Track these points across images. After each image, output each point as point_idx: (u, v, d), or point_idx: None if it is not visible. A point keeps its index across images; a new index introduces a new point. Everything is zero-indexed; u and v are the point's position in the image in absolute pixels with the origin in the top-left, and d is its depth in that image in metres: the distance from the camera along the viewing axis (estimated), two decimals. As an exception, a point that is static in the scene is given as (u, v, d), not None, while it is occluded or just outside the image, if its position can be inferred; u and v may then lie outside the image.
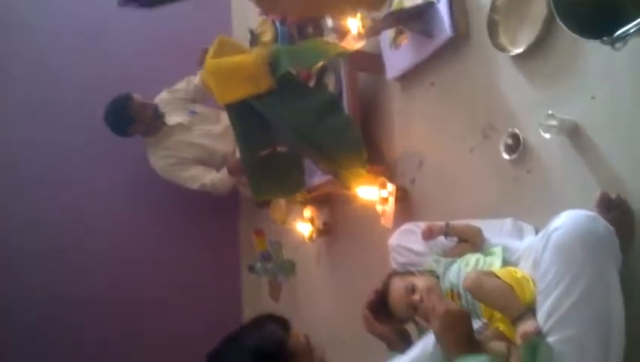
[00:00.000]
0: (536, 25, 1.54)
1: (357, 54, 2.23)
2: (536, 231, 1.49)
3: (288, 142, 2.21)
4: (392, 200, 2.06)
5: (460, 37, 1.84)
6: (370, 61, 2.28)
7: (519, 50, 1.60)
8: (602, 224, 1.17)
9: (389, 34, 2.14)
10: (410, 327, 1.62)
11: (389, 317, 1.58)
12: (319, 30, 2.61)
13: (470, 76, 1.85)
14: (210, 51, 2.07)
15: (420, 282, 1.50)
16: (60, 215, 3.19)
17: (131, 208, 3.41)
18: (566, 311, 1.14)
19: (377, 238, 2.12)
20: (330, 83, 2.41)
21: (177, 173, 3.15)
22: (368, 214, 2.25)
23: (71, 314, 3.11)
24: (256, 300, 3.45)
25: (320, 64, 2.41)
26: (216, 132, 3.26)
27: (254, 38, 2.94)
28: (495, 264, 1.41)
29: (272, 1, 2.33)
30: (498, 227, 1.58)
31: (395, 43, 2.12)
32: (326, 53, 2.13)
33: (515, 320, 1.23)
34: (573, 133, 1.45)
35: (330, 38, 2.38)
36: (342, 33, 2.24)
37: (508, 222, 1.58)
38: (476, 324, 1.38)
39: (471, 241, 1.56)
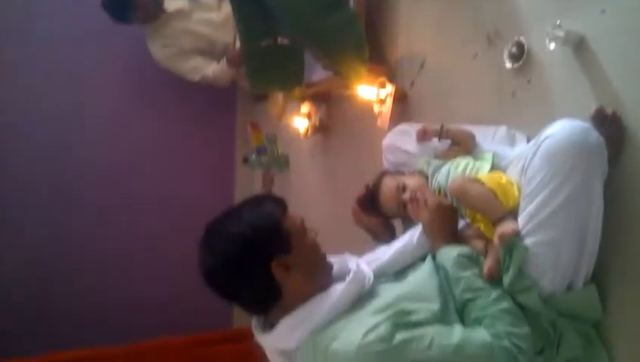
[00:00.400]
0: None
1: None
2: (529, 140, 1.52)
3: (290, 34, 2.16)
4: (389, 101, 2.06)
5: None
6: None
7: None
8: (594, 135, 1.19)
9: None
10: (396, 223, 1.69)
11: (378, 213, 1.64)
12: None
13: (481, -21, 1.79)
14: None
15: (411, 181, 1.54)
16: (58, 106, 3.17)
17: (128, 98, 3.38)
18: (547, 216, 1.18)
19: (372, 138, 2.14)
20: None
21: (178, 63, 3.10)
22: (365, 114, 2.26)
23: (73, 195, 3.19)
24: (248, 192, 3.52)
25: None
26: (217, 21, 3.16)
27: None
28: (484, 168, 1.45)
29: None
30: (491, 133, 1.60)
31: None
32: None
33: (495, 223, 1.29)
34: (578, 46, 1.43)
35: None
36: None
37: (502, 129, 1.60)
38: (459, 224, 1.44)
39: (463, 145, 1.58)
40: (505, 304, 1.18)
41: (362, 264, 1.33)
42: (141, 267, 3.28)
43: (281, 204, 1.26)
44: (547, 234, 1.19)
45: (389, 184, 1.59)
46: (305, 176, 3.02)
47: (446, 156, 1.59)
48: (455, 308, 1.22)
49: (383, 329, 1.08)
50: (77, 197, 3.19)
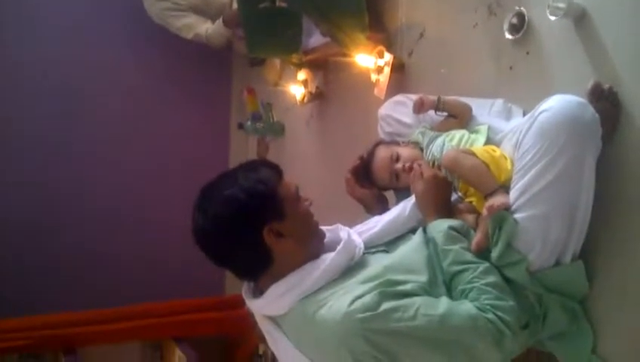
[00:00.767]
0: None
1: None
2: (525, 114, 1.51)
3: (289, -3, 2.13)
4: (387, 70, 2.04)
5: None
6: None
7: None
8: (590, 111, 1.19)
9: None
10: (389, 196, 1.69)
11: (371, 183, 1.64)
12: None
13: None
14: None
15: (405, 152, 1.54)
16: (51, 64, 3.13)
17: (124, 60, 3.34)
18: (538, 191, 1.18)
19: (368, 107, 2.13)
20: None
21: (171, 20, 3.03)
22: (362, 82, 2.24)
23: (70, 157, 3.18)
24: (243, 158, 3.49)
25: None
26: (214, -21, 3.10)
27: None
28: (479, 141, 1.44)
29: None
30: (488, 106, 1.59)
31: None
32: None
33: (487, 196, 1.29)
34: (580, 19, 1.41)
35: None
36: None
37: (498, 102, 1.59)
38: (452, 197, 1.44)
39: (459, 118, 1.57)
40: (491, 278, 1.19)
41: (353, 234, 1.33)
42: (134, 232, 3.28)
43: (276, 170, 1.26)
44: (537, 209, 1.19)
45: (382, 154, 1.59)
46: (300, 144, 3.01)
47: (441, 128, 1.58)
48: (443, 281, 1.23)
49: (369, 298, 1.09)
50: (71, 160, 3.17)
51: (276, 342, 1.26)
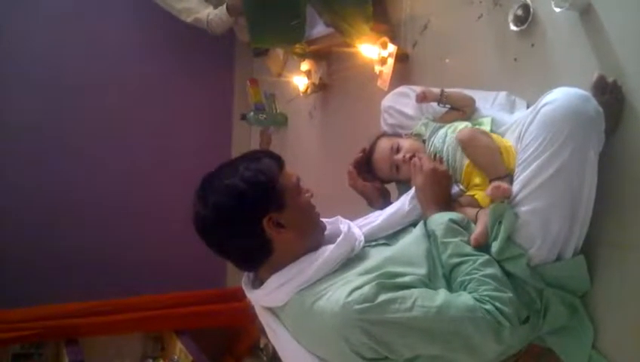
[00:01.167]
0: None
1: None
2: (528, 107, 1.50)
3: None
4: (391, 61, 2.02)
5: None
6: None
7: None
8: (593, 105, 1.17)
9: None
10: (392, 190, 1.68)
11: (373, 176, 1.63)
12: None
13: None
14: None
15: (406, 143, 1.53)
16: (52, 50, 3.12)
17: (127, 49, 3.31)
18: (540, 184, 1.17)
19: (372, 98, 2.11)
20: None
21: (172, 2, 2.97)
22: (365, 74, 2.23)
23: (70, 146, 3.16)
24: (245, 148, 3.49)
25: None
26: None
27: None
28: (482, 134, 1.43)
29: None
30: (491, 99, 1.58)
31: None
32: None
33: (492, 180, 1.28)
34: (585, 12, 1.40)
35: None
36: None
37: (502, 95, 1.57)
38: (453, 190, 1.43)
39: (463, 110, 1.56)
40: (490, 270, 1.18)
41: (354, 227, 1.33)
42: (136, 223, 3.27)
43: (278, 160, 1.25)
44: (539, 202, 1.18)
45: (383, 145, 1.58)
46: (303, 135, 3.00)
47: (444, 120, 1.57)
48: (443, 274, 1.23)
49: (367, 289, 1.09)
50: (74, 150, 3.16)
51: (275, 333, 1.26)
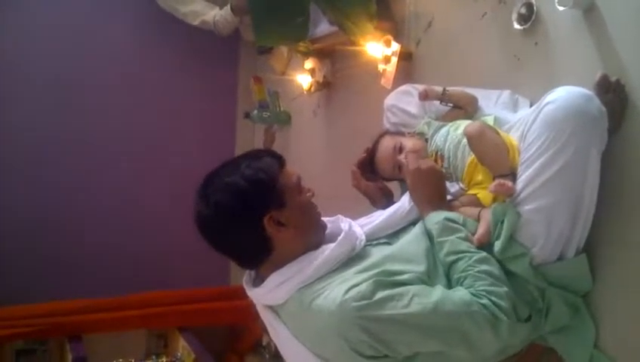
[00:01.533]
0: None
1: None
2: (532, 105, 1.49)
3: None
4: (394, 59, 2.01)
5: None
6: None
7: None
8: (596, 104, 1.17)
9: None
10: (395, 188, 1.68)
11: (376, 175, 1.63)
12: None
13: None
14: None
15: (409, 143, 1.52)
16: (60, 52, 3.12)
17: (130, 48, 3.30)
18: (543, 183, 1.17)
19: (375, 97, 2.11)
20: None
21: (177, 5, 2.99)
22: (369, 72, 2.22)
23: (72, 146, 3.16)
24: (249, 147, 3.50)
25: None
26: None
27: None
28: (485, 132, 1.42)
29: None
30: (494, 97, 1.57)
31: None
32: None
33: (496, 178, 1.28)
34: (589, 10, 1.39)
35: None
36: None
37: (505, 93, 1.57)
38: (453, 188, 1.43)
39: (465, 109, 1.55)
40: (485, 266, 1.18)
41: (355, 226, 1.33)
42: (140, 221, 3.27)
43: (279, 159, 1.26)
44: (541, 202, 1.18)
45: (386, 144, 1.57)
46: (306, 133, 3.00)
47: (447, 119, 1.56)
48: (444, 272, 1.22)
49: (364, 287, 1.09)
50: (78, 147, 3.17)
51: (276, 331, 1.26)
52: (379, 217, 1.40)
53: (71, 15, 3.14)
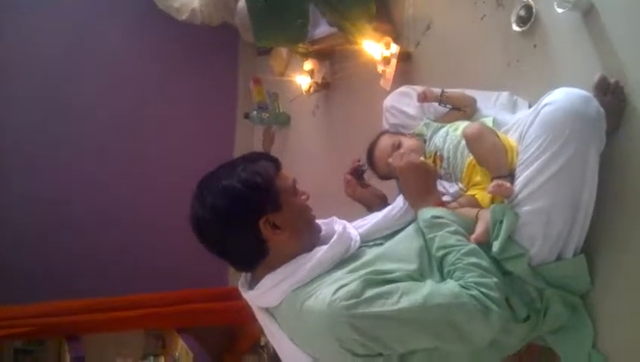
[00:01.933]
0: None
1: None
2: (530, 107, 1.50)
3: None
4: (394, 61, 2.02)
5: None
6: None
7: None
8: (594, 106, 1.17)
9: None
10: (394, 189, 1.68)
11: (373, 172, 1.63)
12: None
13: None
14: None
15: (407, 142, 1.53)
16: (56, 61, 3.11)
17: (129, 49, 3.31)
18: (541, 184, 1.17)
19: (374, 98, 2.11)
20: None
21: (170, 2, 2.98)
22: (368, 73, 2.23)
23: (71, 147, 3.16)
24: (248, 148, 3.50)
25: None
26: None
27: None
28: (483, 133, 1.43)
29: None
30: (493, 99, 1.58)
31: None
32: None
33: (494, 178, 1.28)
34: (587, 13, 1.40)
35: None
36: None
37: (504, 95, 1.58)
38: (453, 189, 1.43)
39: (464, 110, 1.56)
40: (473, 258, 1.17)
41: (349, 228, 1.33)
42: (138, 222, 3.27)
43: (275, 162, 1.26)
44: (539, 202, 1.18)
45: (385, 142, 1.58)
46: (305, 134, 3.00)
47: (446, 120, 1.57)
48: (439, 270, 1.22)
49: (353, 286, 1.09)
50: (77, 149, 3.16)
51: (272, 333, 1.27)
52: (375, 218, 1.40)
53: (71, 15, 3.13)
